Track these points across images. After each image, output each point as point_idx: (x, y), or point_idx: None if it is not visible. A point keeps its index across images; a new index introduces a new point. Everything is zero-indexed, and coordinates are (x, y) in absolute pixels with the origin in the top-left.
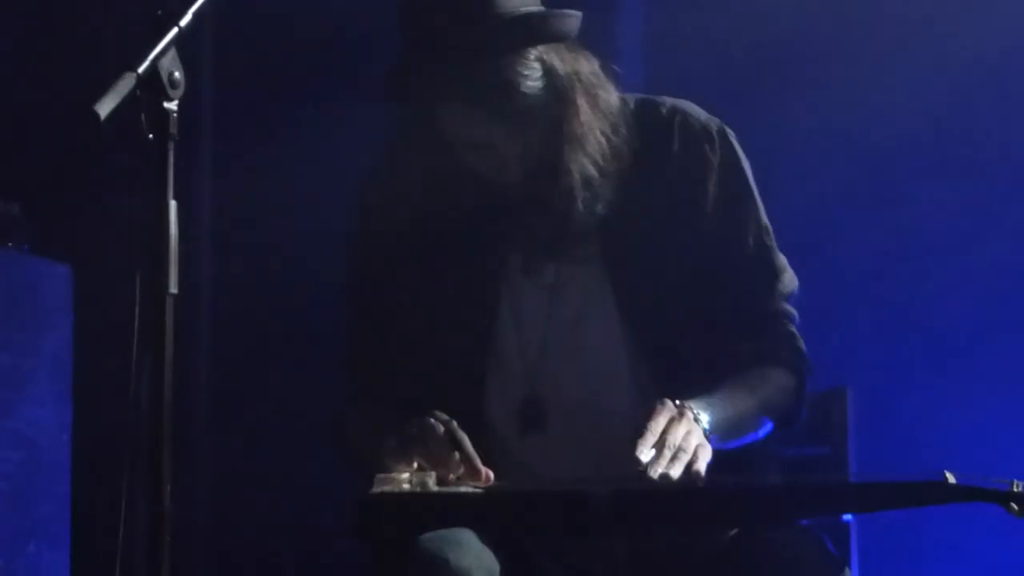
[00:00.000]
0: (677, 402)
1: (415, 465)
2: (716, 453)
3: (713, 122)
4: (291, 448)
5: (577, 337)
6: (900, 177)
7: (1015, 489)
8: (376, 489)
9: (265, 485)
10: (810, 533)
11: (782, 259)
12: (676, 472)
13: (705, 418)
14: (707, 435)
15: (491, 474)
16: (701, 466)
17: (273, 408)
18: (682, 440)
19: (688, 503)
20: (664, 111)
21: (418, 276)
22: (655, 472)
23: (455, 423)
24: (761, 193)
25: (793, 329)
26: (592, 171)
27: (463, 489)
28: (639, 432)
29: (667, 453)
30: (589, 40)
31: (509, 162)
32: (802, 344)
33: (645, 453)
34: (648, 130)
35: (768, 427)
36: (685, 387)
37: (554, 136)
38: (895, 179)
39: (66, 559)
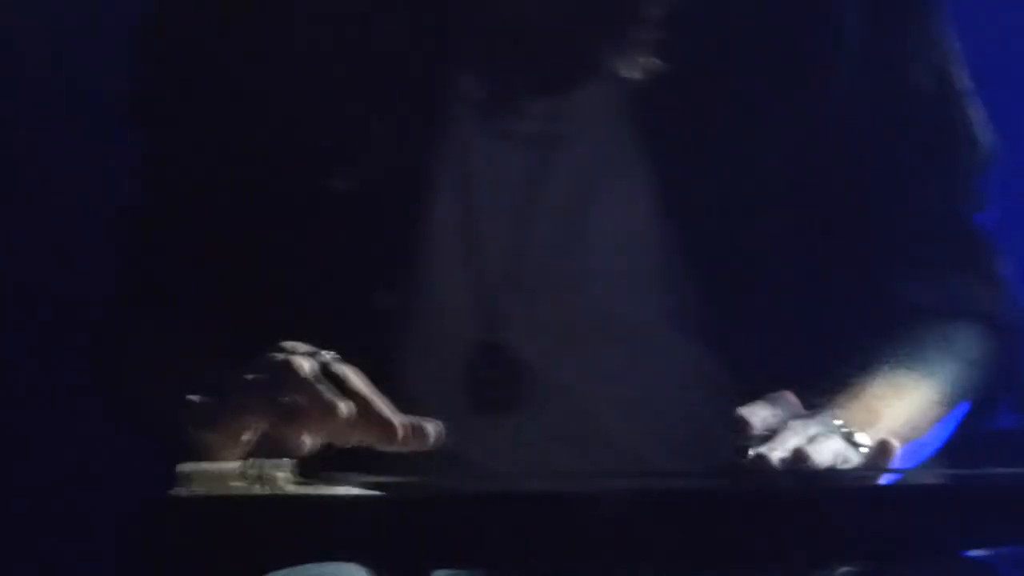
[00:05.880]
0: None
1: (250, 436)
2: None
3: None
4: None
5: (580, 235)
6: None
7: None
8: (179, 490)
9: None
10: (985, 571)
11: (975, 113)
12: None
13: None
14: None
15: (428, 429)
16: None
17: None
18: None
19: (787, 514)
20: None
21: (287, 108)
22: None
23: (334, 354)
24: None
25: (988, 243)
26: None
27: (350, 488)
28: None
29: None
30: None
31: None
32: (1005, 268)
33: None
34: None
35: (957, 415)
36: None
37: None
38: None
39: None
